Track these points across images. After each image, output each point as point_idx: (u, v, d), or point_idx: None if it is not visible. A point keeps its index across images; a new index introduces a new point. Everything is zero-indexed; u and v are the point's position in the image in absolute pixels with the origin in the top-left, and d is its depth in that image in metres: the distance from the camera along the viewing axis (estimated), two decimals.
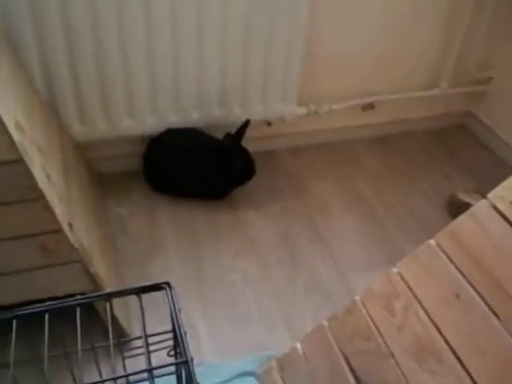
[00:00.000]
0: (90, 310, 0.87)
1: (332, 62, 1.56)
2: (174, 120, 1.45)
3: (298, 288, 1.27)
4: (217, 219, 1.44)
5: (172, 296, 0.67)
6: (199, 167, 1.43)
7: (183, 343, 0.66)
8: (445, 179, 1.62)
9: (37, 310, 0.68)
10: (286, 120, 1.57)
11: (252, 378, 0.98)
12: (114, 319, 0.98)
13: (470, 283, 0.57)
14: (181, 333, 0.64)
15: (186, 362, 0.62)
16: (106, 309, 0.80)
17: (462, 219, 0.64)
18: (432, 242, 0.64)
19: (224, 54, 1.39)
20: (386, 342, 0.69)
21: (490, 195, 0.60)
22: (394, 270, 0.69)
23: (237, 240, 1.38)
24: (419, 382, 0.61)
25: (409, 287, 0.65)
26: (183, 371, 0.66)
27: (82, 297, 0.74)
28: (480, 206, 0.61)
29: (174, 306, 0.67)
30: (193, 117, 1.46)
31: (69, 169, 1.15)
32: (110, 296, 0.78)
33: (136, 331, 1.03)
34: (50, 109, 1.29)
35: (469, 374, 0.56)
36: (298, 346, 0.89)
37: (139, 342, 0.76)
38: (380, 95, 1.66)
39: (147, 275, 1.26)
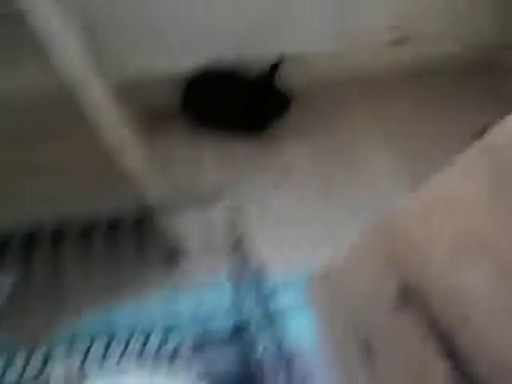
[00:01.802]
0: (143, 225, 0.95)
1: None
2: (209, 58, 1.51)
3: (336, 212, 1.34)
4: (256, 152, 1.51)
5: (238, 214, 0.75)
6: (235, 104, 1.49)
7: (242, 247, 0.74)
8: (470, 117, 1.64)
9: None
10: (318, 55, 1.61)
11: (295, 289, 1.08)
12: (173, 240, 1.08)
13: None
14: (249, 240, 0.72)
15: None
16: (163, 222, 0.88)
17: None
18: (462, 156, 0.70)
19: None
20: (426, 245, 0.76)
21: None
22: (430, 184, 0.76)
23: (275, 170, 1.46)
24: (456, 274, 0.69)
25: (442, 196, 0.71)
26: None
27: (148, 211, 0.83)
28: None
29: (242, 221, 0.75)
30: (229, 56, 1.52)
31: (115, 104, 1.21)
32: (170, 210, 0.86)
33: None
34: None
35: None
36: (341, 257, 0.98)
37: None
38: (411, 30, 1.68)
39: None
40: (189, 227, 0.95)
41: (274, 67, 1.45)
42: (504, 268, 0.62)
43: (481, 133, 0.88)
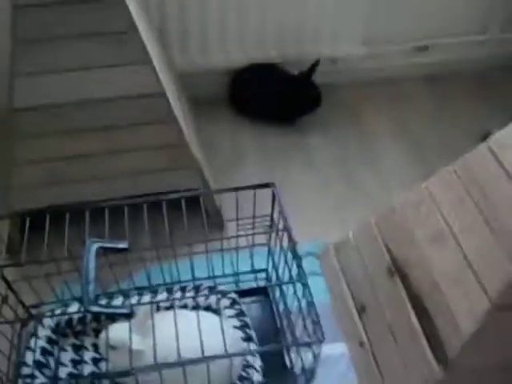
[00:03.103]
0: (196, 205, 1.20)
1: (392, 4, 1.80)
2: (255, 56, 1.75)
3: (351, 197, 1.60)
4: (287, 140, 1.77)
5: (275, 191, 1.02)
6: (275, 96, 1.74)
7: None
8: (487, 119, 1.86)
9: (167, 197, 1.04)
10: (349, 58, 1.85)
11: (314, 258, 1.36)
12: (219, 211, 1.36)
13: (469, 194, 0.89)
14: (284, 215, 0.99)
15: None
16: (213, 203, 1.15)
17: (476, 151, 0.94)
18: (450, 168, 0.96)
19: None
20: (413, 232, 1.02)
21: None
22: (423, 184, 1.02)
23: (302, 157, 1.72)
24: (430, 256, 0.95)
25: (430, 195, 0.97)
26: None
27: (201, 191, 1.11)
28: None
29: (277, 198, 1.02)
30: (272, 54, 1.76)
31: (179, 94, 1.48)
32: (222, 191, 1.14)
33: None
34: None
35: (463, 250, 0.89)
36: (351, 235, 1.25)
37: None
38: (434, 38, 1.90)
39: (234, 183, 1.62)
40: (232, 201, 1.20)
41: (312, 67, 1.70)
42: (460, 252, 0.89)
43: (484, 137, 1.12)
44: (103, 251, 0.94)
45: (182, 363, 0.84)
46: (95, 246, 0.91)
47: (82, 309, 1.04)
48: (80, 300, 1.14)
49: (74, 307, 1.15)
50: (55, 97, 1.16)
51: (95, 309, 0.90)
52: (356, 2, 1.71)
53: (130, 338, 0.92)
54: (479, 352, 0.86)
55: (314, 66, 1.70)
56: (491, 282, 0.81)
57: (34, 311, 1.16)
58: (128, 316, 1.00)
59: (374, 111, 1.89)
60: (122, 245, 0.93)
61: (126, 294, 1.16)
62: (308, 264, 1.33)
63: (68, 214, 1.00)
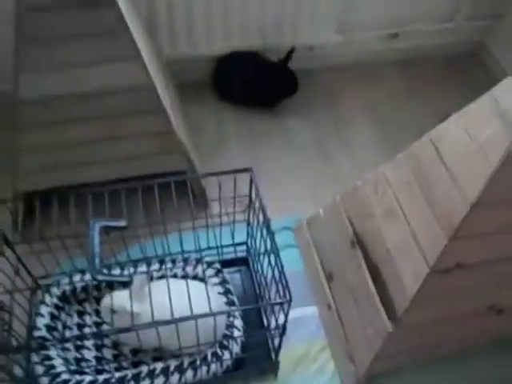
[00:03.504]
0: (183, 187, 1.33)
1: None
2: (238, 44, 1.88)
3: (326, 176, 1.76)
4: (268, 123, 1.91)
5: (252, 175, 1.18)
6: (256, 82, 1.88)
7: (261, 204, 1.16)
8: (450, 102, 2.01)
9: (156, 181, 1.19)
10: (325, 45, 1.98)
11: (290, 232, 1.52)
12: (204, 192, 1.51)
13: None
14: (259, 197, 1.14)
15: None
16: (199, 185, 1.30)
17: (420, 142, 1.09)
18: (400, 155, 1.11)
19: None
20: (371, 208, 1.18)
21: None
22: (380, 168, 1.18)
23: (281, 139, 1.87)
24: (385, 230, 1.12)
25: (385, 177, 1.13)
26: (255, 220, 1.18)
27: (188, 176, 1.26)
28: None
29: (254, 182, 1.17)
30: (253, 42, 1.89)
31: (167, 82, 1.61)
32: (206, 175, 1.29)
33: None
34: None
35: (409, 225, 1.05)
36: (321, 211, 1.41)
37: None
38: (404, 26, 2.04)
39: (218, 165, 1.76)
40: (216, 183, 1.34)
41: (288, 54, 1.83)
42: (407, 226, 1.05)
43: (444, 118, 1.26)
44: (104, 229, 1.09)
45: (174, 320, 1.00)
46: (98, 225, 1.06)
47: (90, 277, 1.20)
48: (83, 272, 1.31)
49: (77, 277, 1.31)
50: (55, 90, 1.29)
51: (101, 277, 1.06)
52: None
53: (130, 303, 1.08)
54: (422, 309, 1.04)
55: (290, 53, 1.83)
56: (430, 250, 0.98)
57: (42, 282, 1.32)
58: (126, 284, 1.16)
59: (349, 94, 2.03)
60: (122, 223, 1.08)
61: (122, 266, 1.32)
62: (284, 237, 1.51)
63: (72, 197, 1.15)
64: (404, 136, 1.89)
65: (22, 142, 1.33)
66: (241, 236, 1.39)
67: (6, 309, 1.12)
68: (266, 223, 1.12)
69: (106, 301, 1.18)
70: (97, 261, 1.02)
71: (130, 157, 1.41)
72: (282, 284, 1.02)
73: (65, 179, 1.39)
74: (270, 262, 1.13)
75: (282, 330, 1.09)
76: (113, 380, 1.14)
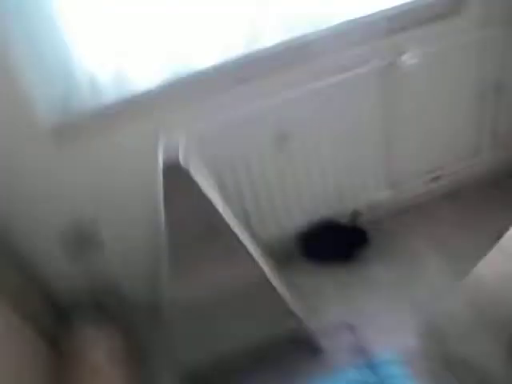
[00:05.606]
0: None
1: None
2: (313, 217, 2.37)
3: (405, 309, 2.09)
4: (352, 273, 2.33)
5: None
6: (333, 244, 2.35)
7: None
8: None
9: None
10: (381, 200, 2.43)
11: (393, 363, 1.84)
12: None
13: None
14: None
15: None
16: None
17: None
18: None
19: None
20: None
21: None
22: None
23: (365, 283, 2.26)
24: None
25: None
26: None
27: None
28: None
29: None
30: (325, 212, 2.38)
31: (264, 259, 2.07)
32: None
33: None
34: None
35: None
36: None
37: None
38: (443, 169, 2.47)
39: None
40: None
41: (352, 216, 2.29)
42: None
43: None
44: None
45: None
46: None
47: None
48: None
49: None
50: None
51: None
52: (372, 158, 2.32)
53: None
54: None
55: (355, 214, 2.30)
56: None
57: None
58: None
59: (411, 233, 2.42)
60: None
61: None
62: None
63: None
64: (468, 263, 2.03)
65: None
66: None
67: None
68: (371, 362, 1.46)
69: None
70: None
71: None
72: None
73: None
74: None
75: None
76: None
